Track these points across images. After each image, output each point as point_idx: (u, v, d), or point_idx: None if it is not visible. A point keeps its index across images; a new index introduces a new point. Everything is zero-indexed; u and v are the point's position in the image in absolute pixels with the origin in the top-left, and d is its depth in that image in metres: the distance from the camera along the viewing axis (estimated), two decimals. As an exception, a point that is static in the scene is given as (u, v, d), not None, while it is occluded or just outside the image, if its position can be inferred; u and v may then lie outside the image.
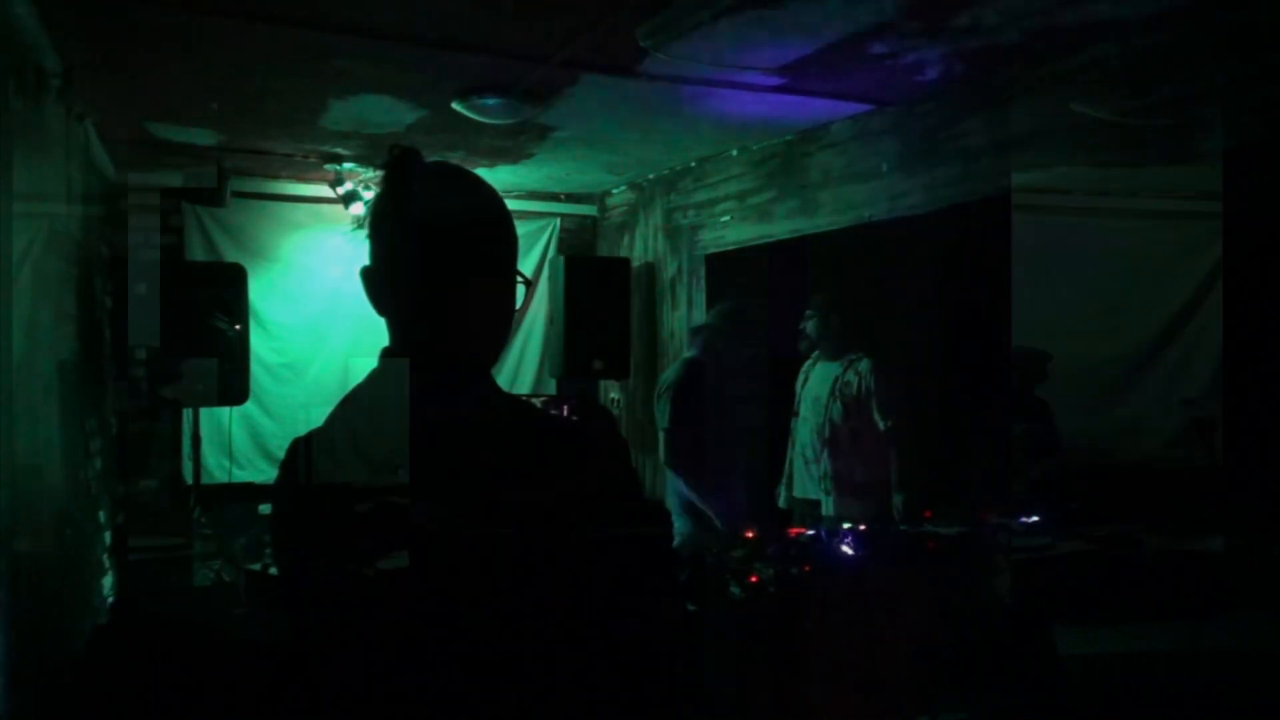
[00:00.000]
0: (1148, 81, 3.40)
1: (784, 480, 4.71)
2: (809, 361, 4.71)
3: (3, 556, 2.50)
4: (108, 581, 4.65)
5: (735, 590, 3.17)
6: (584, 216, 6.65)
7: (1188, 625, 4.96)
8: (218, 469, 5.24)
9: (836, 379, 4.45)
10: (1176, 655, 4.77)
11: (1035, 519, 4.26)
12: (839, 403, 4.42)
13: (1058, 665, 4.38)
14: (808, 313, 4.57)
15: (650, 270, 6.13)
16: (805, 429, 4.56)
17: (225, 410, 5.05)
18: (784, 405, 4.78)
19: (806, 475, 4.54)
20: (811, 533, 3.74)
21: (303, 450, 1.23)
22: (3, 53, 2.66)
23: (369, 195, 5.43)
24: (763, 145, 5.14)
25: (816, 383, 4.56)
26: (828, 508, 4.39)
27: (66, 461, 3.55)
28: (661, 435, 4.38)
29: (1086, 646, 4.87)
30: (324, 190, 5.57)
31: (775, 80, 3.96)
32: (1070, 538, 4.08)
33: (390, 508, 1.12)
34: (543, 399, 6.08)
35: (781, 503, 4.70)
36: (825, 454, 4.43)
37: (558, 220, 6.44)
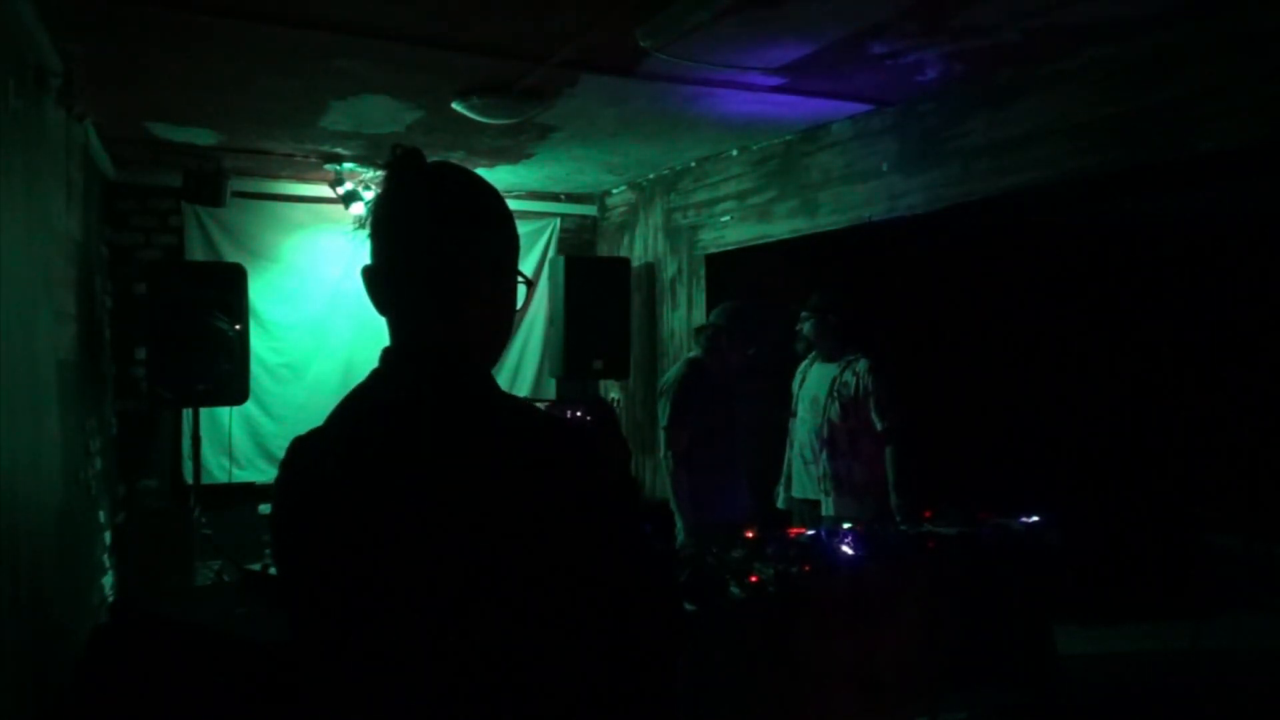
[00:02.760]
0: (1148, 81, 3.40)
1: (782, 480, 4.70)
2: (805, 362, 4.71)
3: (3, 556, 2.50)
4: (108, 581, 4.65)
5: (735, 590, 3.17)
6: (584, 216, 6.65)
7: (1188, 625, 4.97)
8: (218, 469, 5.24)
9: (834, 379, 4.43)
10: (1176, 655, 4.78)
11: (1035, 518, 4.26)
12: (837, 403, 4.40)
13: (1057, 664, 4.38)
14: (803, 314, 4.56)
15: (650, 270, 6.13)
16: (803, 429, 4.54)
17: (225, 410, 5.04)
18: (784, 405, 4.78)
19: (805, 475, 4.53)
20: (811, 533, 3.74)
21: (303, 450, 1.23)
22: (3, 53, 2.66)
23: (369, 195, 5.43)
24: (763, 145, 5.14)
25: (814, 383, 4.55)
26: (827, 508, 4.38)
27: (66, 461, 3.55)
28: (662, 434, 4.38)
29: (1086, 645, 4.87)
30: (324, 190, 5.57)
31: (775, 80, 3.97)
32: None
33: (390, 508, 1.12)
34: (546, 403, 6.08)
35: (780, 503, 4.69)
36: (824, 454, 4.41)
37: (558, 220, 6.44)
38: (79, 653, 3.27)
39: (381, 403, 1.19)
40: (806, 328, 4.54)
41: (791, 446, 4.64)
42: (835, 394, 4.41)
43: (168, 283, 4.64)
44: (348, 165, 5.35)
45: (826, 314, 4.47)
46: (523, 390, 6.18)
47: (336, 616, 1.15)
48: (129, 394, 5.21)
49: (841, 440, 4.39)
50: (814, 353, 4.61)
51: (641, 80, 3.90)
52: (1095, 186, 3.92)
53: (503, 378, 6.04)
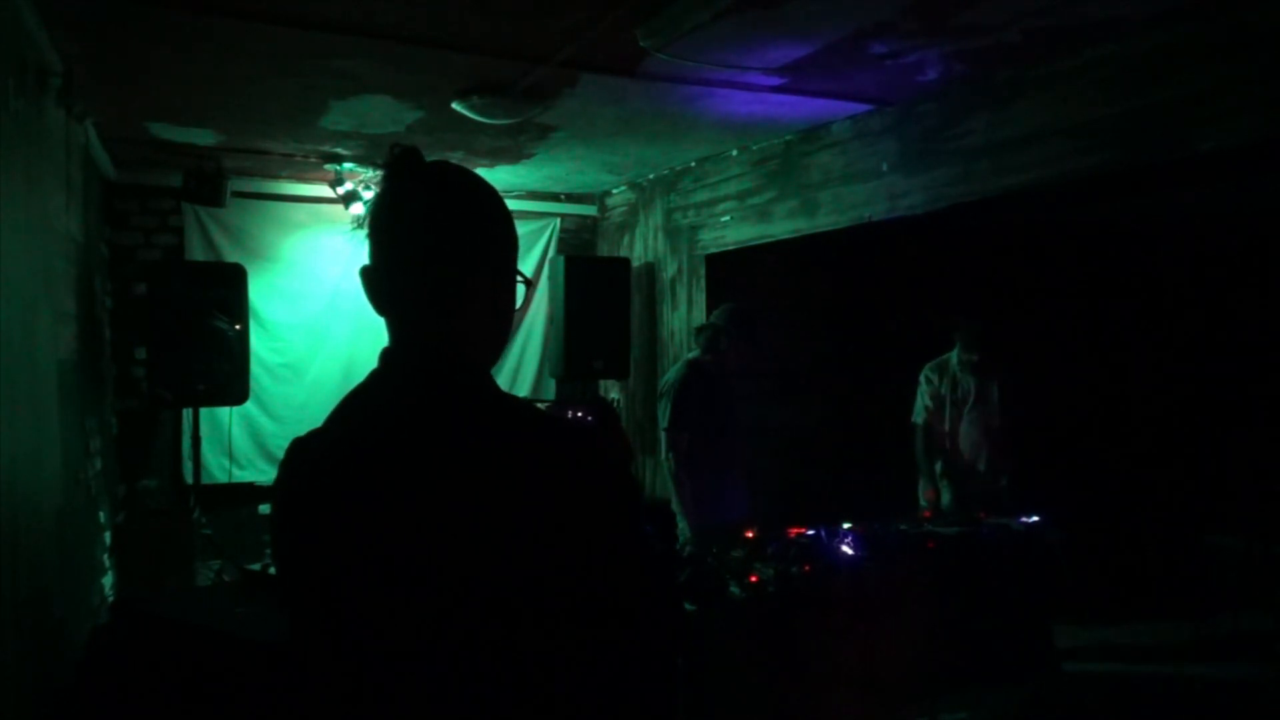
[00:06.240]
0: (1148, 81, 3.40)
1: (941, 480, 5.05)
2: (951, 363, 5.07)
3: (3, 556, 2.50)
4: (108, 581, 4.65)
5: (735, 590, 3.17)
6: (584, 216, 6.65)
7: (1188, 625, 4.97)
8: (218, 469, 5.24)
9: (986, 382, 4.98)
10: (1176, 654, 4.78)
11: (1035, 518, 4.26)
12: (989, 404, 4.98)
13: (1056, 663, 4.38)
14: (967, 337, 4.98)
15: (650, 270, 6.13)
16: (974, 430, 5.00)
17: (225, 410, 5.04)
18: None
19: (976, 469, 5.01)
20: (811, 532, 3.74)
21: (302, 450, 1.23)
22: (3, 53, 2.66)
23: (369, 195, 5.43)
24: (763, 145, 5.14)
25: (969, 386, 5.03)
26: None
27: (66, 461, 3.55)
28: (663, 435, 4.38)
29: (1086, 645, 4.87)
30: (324, 190, 5.57)
31: (775, 80, 3.96)
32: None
33: (389, 508, 1.12)
34: (546, 403, 6.08)
35: (945, 503, 5.02)
36: (985, 449, 4.96)
37: (558, 220, 6.44)
38: (79, 653, 3.27)
39: (381, 403, 1.19)
40: (966, 333, 5.03)
41: (947, 447, 5.06)
42: (988, 395, 4.99)
43: (168, 283, 4.64)
44: (348, 165, 5.35)
45: (979, 323, 4.98)
46: (523, 390, 6.18)
47: (336, 616, 1.15)
48: (129, 394, 5.21)
49: (995, 434, 4.98)
50: (955, 355, 5.06)
51: (641, 80, 3.90)
52: (1095, 186, 3.92)
53: (503, 378, 6.04)
